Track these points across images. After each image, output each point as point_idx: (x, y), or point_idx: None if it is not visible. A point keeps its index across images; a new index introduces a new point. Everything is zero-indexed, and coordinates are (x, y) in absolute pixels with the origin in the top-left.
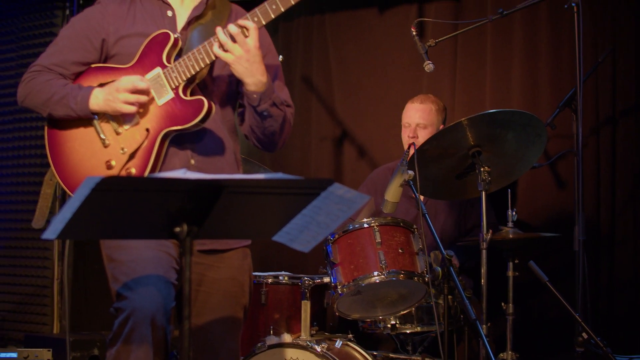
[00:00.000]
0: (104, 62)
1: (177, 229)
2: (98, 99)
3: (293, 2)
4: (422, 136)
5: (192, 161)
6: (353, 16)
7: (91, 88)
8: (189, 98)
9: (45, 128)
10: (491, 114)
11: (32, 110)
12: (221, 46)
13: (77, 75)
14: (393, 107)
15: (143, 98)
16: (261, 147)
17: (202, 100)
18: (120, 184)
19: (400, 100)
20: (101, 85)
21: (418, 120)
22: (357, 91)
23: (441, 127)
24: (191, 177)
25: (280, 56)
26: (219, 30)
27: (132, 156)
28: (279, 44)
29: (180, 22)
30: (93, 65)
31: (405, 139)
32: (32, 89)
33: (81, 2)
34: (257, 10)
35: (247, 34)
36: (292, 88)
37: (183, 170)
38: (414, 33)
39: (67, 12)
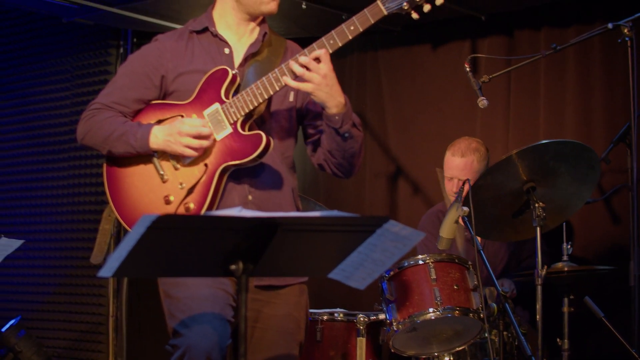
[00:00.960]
0: (163, 98)
1: (233, 267)
2: (158, 138)
3: (350, 37)
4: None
5: (250, 197)
6: (406, 53)
7: (151, 126)
8: (247, 133)
9: (104, 165)
10: (543, 145)
11: (92, 148)
12: (295, 78)
13: (136, 113)
14: (447, 143)
15: (205, 143)
16: (339, 172)
17: (260, 135)
18: (176, 222)
19: (454, 136)
20: (160, 121)
21: (460, 175)
22: (411, 127)
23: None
24: (247, 215)
25: None
26: (292, 63)
27: (190, 191)
28: None
29: (237, 59)
30: (152, 102)
31: (449, 192)
32: (92, 126)
33: (135, 40)
34: (314, 44)
35: (320, 60)
36: None
37: (239, 208)
38: (468, 69)
39: (121, 50)
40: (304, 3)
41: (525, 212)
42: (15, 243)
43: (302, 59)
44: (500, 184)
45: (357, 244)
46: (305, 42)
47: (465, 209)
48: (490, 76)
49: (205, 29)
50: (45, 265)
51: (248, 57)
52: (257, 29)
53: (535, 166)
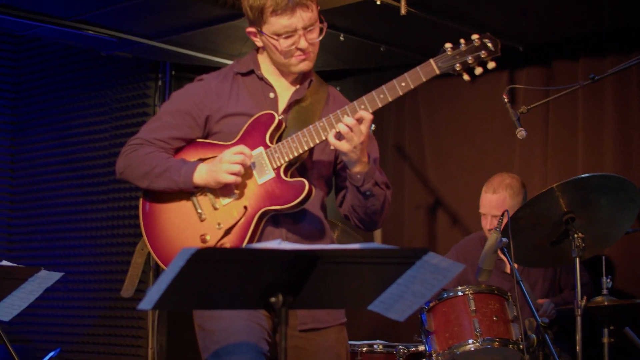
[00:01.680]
0: (206, 138)
1: (273, 299)
2: (201, 173)
3: (401, 93)
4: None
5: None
6: (444, 84)
7: (196, 163)
8: (289, 179)
9: (141, 199)
10: (583, 179)
11: (130, 182)
12: (336, 135)
13: (178, 150)
14: (486, 174)
15: (246, 161)
16: (362, 226)
17: (303, 182)
18: (216, 255)
19: (493, 167)
20: (201, 160)
21: (493, 212)
22: (450, 159)
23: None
24: (287, 248)
25: (373, 125)
26: (339, 124)
27: (227, 232)
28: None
29: (282, 104)
30: (195, 140)
31: (485, 230)
32: (133, 161)
33: (173, 73)
34: (364, 98)
35: (362, 122)
36: (384, 156)
37: (278, 241)
38: (506, 100)
39: (160, 83)
40: (341, 35)
41: (564, 241)
42: (55, 275)
43: (348, 120)
44: (540, 214)
45: (397, 276)
46: (342, 74)
47: (505, 240)
48: (529, 107)
49: (251, 72)
50: (85, 297)
51: (292, 104)
52: (301, 75)
53: (575, 198)
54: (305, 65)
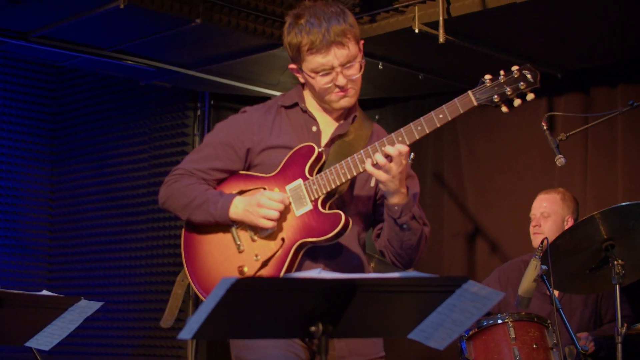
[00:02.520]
0: (247, 170)
1: (313, 328)
2: (237, 208)
3: (439, 124)
4: (545, 226)
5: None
6: (483, 111)
7: (232, 196)
8: (327, 211)
9: (183, 230)
10: (624, 207)
11: (172, 213)
12: (374, 164)
13: (219, 181)
14: (525, 201)
15: (282, 209)
16: (397, 262)
17: (340, 215)
18: (256, 285)
19: (532, 194)
20: (242, 192)
21: (541, 209)
22: (489, 186)
23: (568, 217)
24: (326, 277)
25: (412, 154)
26: (377, 154)
27: (265, 264)
28: None
29: (324, 138)
30: (236, 173)
31: (531, 230)
32: (174, 191)
33: (212, 102)
34: (402, 130)
35: (401, 153)
36: (424, 185)
37: (318, 270)
38: (545, 127)
39: (199, 112)
40: (380, 63)
41: (603, 268)
42: (95, 305)
43: (388, 149)
44: (580, 241)
45: (436, 304)
46: (381, 102)
47: (544, 267)
48: (568, 134)
49: (295, 104)
50: (125, 326)
51: (334, 138)
52: (346, 110)
53: (615, 225)
54: (345, 102)
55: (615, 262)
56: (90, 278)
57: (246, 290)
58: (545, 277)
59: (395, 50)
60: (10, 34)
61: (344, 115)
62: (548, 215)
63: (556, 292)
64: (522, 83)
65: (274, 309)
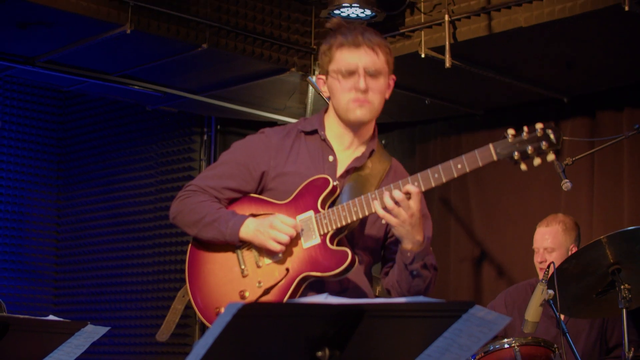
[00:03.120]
0: (260, 192)
1: (320, 354)
2: (249, 228)
3: (456, 175)
4: (550, 260)
5: None
6: (489, 136)
7: (245, 217)
8: (334, 247)
9: (190, 245)
10: (630, 231)
11: (181, 228)
12: (385, 208)
13: (231, 201)
14: (531, 226)
15: (294, 235)
16: None
17: (347, 253)
18: (263, 310)
19: (539, 219)
20: (253, 215)
21: (545, 244)
22: (495, 211)
23: (572, 246)
24: (333, 302)
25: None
26: (386, 196)
27: (267, 292)
28: (416, 165)
29: (340, 169)
30: (249, 195)
31: (536, 264)
32: (185, 207)
33: (218, 127)
34: (418, 175)
35: (411, 197)
36: (430, 209)
37: (325, 295)
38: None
39: (205, 137)
40: None
41: (610, 292)
42: (101, 330)
43: (396, 193)
44: (586, 265)
45: (443, 329)
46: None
47: (551, 292)
48: (574, 158)
49: (315, 132)
50: (131, 351)
51: (350, 170)
52: (366, 144)
53: (621, 250)
54: (362, 114)
55: (622, 287)
56: (96, 302)
57: (253, 316)
58: (552, 301)
59: (402, 75)
60: (17, 59)
61: (363, 147)
62: (552, 249)
63: (562, 316)
64: (544, 142)
65: (281, 334)
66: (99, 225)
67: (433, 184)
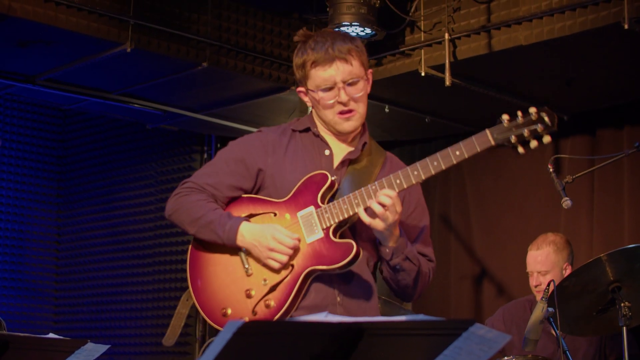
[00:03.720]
0: (257, 191)
1: None
2: (244, 238)
3: (455, 162)
4: (545, 282)
5: (339, 299)
6: (490, 153)
7: (240, 221)
8: (338, 240)
9: (190, 247)
10: (630, 249)
11: (178, 226)
12: (368, 211)
13: (229, 200)
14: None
15: (292, 252)
16: (397, 296)
17: (351, 244)
18: (263, 328)
19: (539, 236)
20: (252, 215)
21: (538, 268)
22: (496, 228)
23: (565, 265)
24: (333, 321)
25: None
26: (372, 202)
27: (273, 289)
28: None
29: (336, 161)
30: (245, 195)
31: (532, 288)
32: (182, 205)
33: (219, 145)
34: (417, 164)
35: (394, 201)
36: (430, 226)
37: (325, 313)
38: (551, 170)
39: (205, 155)
40: (386, 106)
41: (610, 309)
42: (101, 348)
43: (382, 198)
44: (586, 283)
45: (443, 347)
46: (388, 145)
47: (551, 310)
48: (574, 176)
49: (308, 129)
50: None
51: (345, 162)
52: (357, 138)
53: (621, 268)
54: (349, 125)
55: (622, 304)
56: (96, 320)
57: (253, 334)
58: (552, 319)
59: (402, 94)
60: (17, 77)
61: (355, 141)
62: (546, 272)
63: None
64: (539, 125)
65: (281, 352)
66: (98, 244)
67: (433, 172)
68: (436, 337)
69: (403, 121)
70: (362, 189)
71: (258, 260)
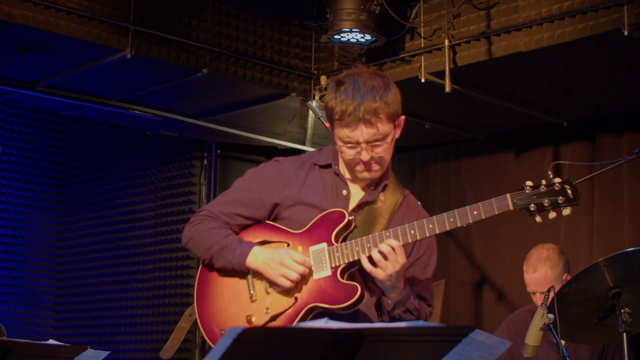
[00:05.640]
0: (273, 220)
1: None
2: (257, 259)
3: (471, 221)
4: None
5: None
6: (490, 160)
7: (252, 245)
8: (344, 281)
9: (200, 267)
10: (628, 253)
11: (194, 253)
12: (371, 261)
13: (243, 227)
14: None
15: (305, 272)
16: None
17: (356, 287)
18: (263, 335)
19: (539, 243)
20: (265, 242)
21: (539, 289)
22: (495, 235)
23: (565, 276)
24: (333, 327)
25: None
26: (374, 252)
27: (273, 318)
28: (417, 189)
29: (353, 203)
30: (263, 222)
31: (537, 305)
32: (196, 233)
33: (219, 151)
34: (434, 218)
35: (397, 252)
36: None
37: (325, 319)
38: (551, 176)
39: (205, 162)
40: None
41: (610, 316)
42: (101, 354)
43: (382, 246)
44: (586, 290)
45: (443, 353)
46: None
47: (551, 316)
48: (574, 182)
49: (329, 166)
50: None
51: (362, 205)
52: (379, 178)
53: (620, 273)
54: (368, 176)
55: (623, 311)
56: (96, 327)
57: (253, 340)
58: (552, 326)
59: (402, 100)
60: (18, 83)
61: (375, 183)
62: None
63: (562, 341)
64: (561, 197)
65: (282, 359)
66: (99, 250)
67: (448, 228)
68: (436, 343)
69: (403, 127)
70: (377, 233)
71: (267, 282)
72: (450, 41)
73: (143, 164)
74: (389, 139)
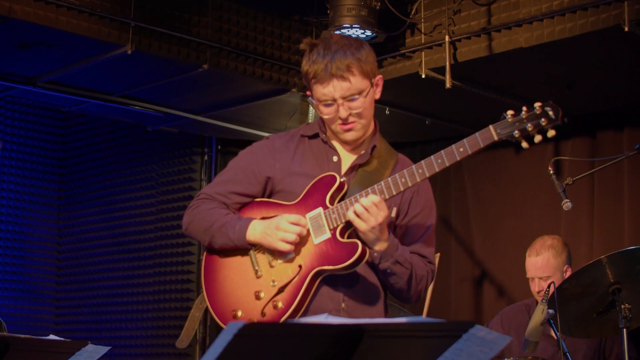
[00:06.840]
0: (269, 196)
1: None
2: (255, 231)
3: (459, 158)
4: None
5: (343, 304)
6: (490, 156)
7: (250, 219)
8: (344, 240)
9: (204, 254)
10: (631, 251)
11: (195, 238)
12: (356, 213)
13: (242, 206)
14: None
15: (302, 232)
16: (396, 299)
17: (356, 244)
18: (263, 330)
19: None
20: (263, 218)
21: (538, 274)
22: (496, 231)
23: (565, 267)
24: (333, 322)
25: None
26: (356, 205)
27: (281, 290)
28: None
29: (344, 167)
30: (257, 200)
31: (534, 293)
32: (196, 216)
33: (219, 147)
34: (422, 162)
35: (378, 206)
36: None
37: (325, 315)
38: (551, 172)
39: (206, 157)
40: (387, 109)
41: (610, 311)
42: (102, 349)
43: (362, 200)
44: (586, 285)
45: (443, 349)
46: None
47: (551, 311)
48: (574, 178)
49: (316, 135)
50: None
51: (355, 167)
52: (367, 141)
53: (622, 270)
54: (350, 135)
55: (623, 306)
56: (97, 322)
57: (253, 336)
58: (552, 321)
59: (402, 96)
60: (18, 79)
61: (365, 146)
62: (547, 277)
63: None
64: (543, 119)
65: (282, 354)
66: (99, 245)
67: (437, 169)
68: (436, 339)
69: (403, 123)
70: (369, 189)
71: (270, 255)
72: (450, 37)
73: (143, 159)
74: (365, 94)
